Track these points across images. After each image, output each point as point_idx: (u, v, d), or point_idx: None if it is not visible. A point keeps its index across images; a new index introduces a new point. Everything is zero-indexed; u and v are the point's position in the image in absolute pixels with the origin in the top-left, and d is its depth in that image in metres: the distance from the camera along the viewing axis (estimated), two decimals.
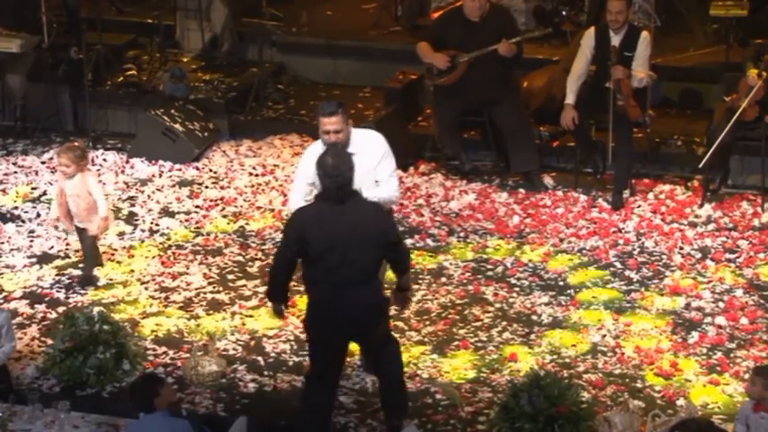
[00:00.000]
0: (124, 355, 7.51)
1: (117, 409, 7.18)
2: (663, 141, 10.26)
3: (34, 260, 8.92)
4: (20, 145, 10.84)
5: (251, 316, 8.22)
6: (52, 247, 9.10)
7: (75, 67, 10.94)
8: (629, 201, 9.64)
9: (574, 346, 7.84)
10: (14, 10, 11.06)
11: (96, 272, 8.53)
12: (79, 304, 8.31)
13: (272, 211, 9.66)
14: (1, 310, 7.39)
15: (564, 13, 11.37)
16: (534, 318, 8.17)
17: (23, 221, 9.50)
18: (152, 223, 9.45)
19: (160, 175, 10.27)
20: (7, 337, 7.26)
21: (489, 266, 8.74)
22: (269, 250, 9.07)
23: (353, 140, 7.16)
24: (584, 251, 8.98)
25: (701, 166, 9.28)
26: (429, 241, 9.13)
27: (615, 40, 9.48)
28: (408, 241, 8.87)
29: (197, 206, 9.74)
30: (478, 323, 8.06)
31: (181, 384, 7.47)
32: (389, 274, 7.24)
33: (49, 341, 7.78)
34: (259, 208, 9.70)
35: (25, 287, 8.56)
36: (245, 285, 8.60)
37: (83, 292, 8.49)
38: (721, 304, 8.29)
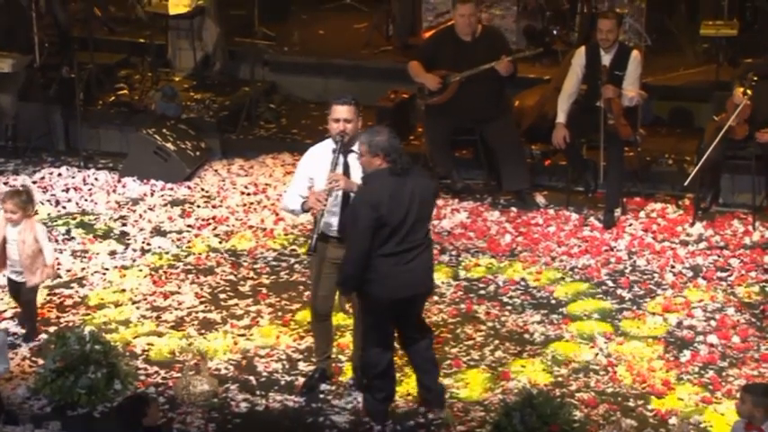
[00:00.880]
0: (115, 375, 7.49)
1: (108, 429, 7.15)
2: (654, 160, 10.29)
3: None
4: (11, 164, 10.82)
5: (243, 335, 8.20)
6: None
7: (67, 86, 10.94)
8: (620, 219, 9.65)
9: (566, 364, 7.84)
10: (6, 30, 11.07)
11: (36, 325, 8.18)
12: (70, 324, 8.29)
13: (264, 230, 9.65)
14: None
15: (555, 32, 11.42)
16: (526, 336, 8.17)
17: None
18: (144, 242, 9.44)
19: (152, 195, 10.26)
20: (0, 359, 7.22)
21: (481, 285, 8.74)
22: (261, 269, 9.06)
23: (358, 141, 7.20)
24: (575, 270, 8.99)
25: (686, 183, 9.31)
26: None
27: (606, 59, 9.52)
28: None
29: (189, 225, 9.73)
30: (471, 342, 8.05)
31: (172, 404, 7.45)
32: None
33: (41, 361, 7.75)
34: (251, 227, 9.70)
35: (16, 307, 8.52)
36: (236, 304, 8.59)
37: (74, 311, 8.47)
38: (713, 323, 8.30)
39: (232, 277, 8.96)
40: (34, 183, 10.45)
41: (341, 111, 7.17)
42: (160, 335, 8.20)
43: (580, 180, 10.03)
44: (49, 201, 10.12)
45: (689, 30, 11.32)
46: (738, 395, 6.38)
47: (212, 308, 8.54)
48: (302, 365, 7.84)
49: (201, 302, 8.61)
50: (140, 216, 9.88)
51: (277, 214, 9.87)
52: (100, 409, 7.38)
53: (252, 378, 7.75)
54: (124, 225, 9.74)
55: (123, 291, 8.75)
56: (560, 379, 7.69)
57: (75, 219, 9.86)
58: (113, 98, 11.38)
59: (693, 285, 8.76)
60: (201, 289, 8.78)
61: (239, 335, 8.21)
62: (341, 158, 7.19)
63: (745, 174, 9.65)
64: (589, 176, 9.93)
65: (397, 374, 7.75)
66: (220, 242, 9.46)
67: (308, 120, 11.34)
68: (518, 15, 11.46)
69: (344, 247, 7.19)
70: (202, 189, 10.37)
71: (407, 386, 7.60)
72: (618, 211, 9.68)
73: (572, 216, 9.76)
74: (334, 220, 7.23)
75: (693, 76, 11.05)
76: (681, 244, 9.33)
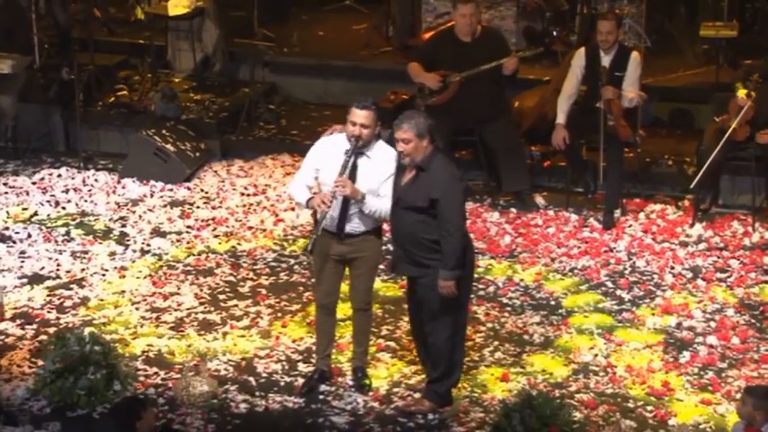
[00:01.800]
0: (115, 376, 7.48)
1: (107, 429, 7.13)
2: (653, 161, 10.29)
3: (25, 281, 8.90)
4: (11, 165, 10.82)
5: (242, 336, 8.20)
6: (43, 268, 9.07)
7: (67, 87, 10.94)
8: (620, 220, 9.65)
9: (566, 365, 7.84)
10: (6, 31, 11.06)
11: None
12: (70, 325, 8.29)
13: (264, 231, 9.65)
14: None
15: (554, 33, 11.42)
16: (526, 337, 8.16)
17: (14, 242, 9.47)
18: (143, 243, 9.44)
19: (151, 196, 10.26)
20: None
21: (481, 286, 8.74)
22: (261, 270, 9.06)
23: (374, 146, 7.19)
24: (575, 271, 8.99)
25: (692, 186, 9.31)
26: None
27: (605, 60, 9.52)
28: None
29: (188, 226, 9.73)
30: (470, 343, 8.05)
31: (172, 405, 7.44)
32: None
33: (40, 362, 7.75)
34: (250, 228, 9.70)
35: (16, 308, 8.53)
36: (236, 305, 8.59)
37: (74, 312, 8.47)
38: (713, 324, 8.30)
39: (231, 278, 8.96)
40: (34, 183, 10.46)
41: (359, 115, 7.13)
42: (160, 336, 8.20)
43: (580, 181, 10.03)
44: (48, 202, 10.12)
45: (689, 31, 11.32)
46: (739, 397, 6.37)
47: (212, 309, 8.54)
48: (302, 366, 7.84)
49: (201, 303, 8.61)
50: (140, 217, 9.88)
51: (277, 215, 9.87)
52: (99, 410, 7.37)
53: (251, 379, 7.74)
54: (124, 226, 9.74)
55: (123, 292, 8.74)
56: (560, 380, 7.68)
57: (74, 220, 9.85)
58: (113, 99, 11.38)
59: (693, 286, 8.76)
60: (201, 290, 8.78)
61: (239, 336, 8.21)
62: (351, 161, 7.16)
63: (745, 175, 9.65)
64: (589, 177, 9.93)
65: (396, 376, 7.77)
66: (220, 243, 9.46)
67: (307, 121, 11.34)
68: (518, 16, 11.47)
69: (349, 243, 7.20)
70: (202, 190, 10.37)
71: (406, 386, 7.60)
72: (617, 212, 9.68)
73: (572, 217, 9.76)
74: (336, 218, 7.22)
75: (693, 77, 11.06)
76: (680, 245, 9.33)
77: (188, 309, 8.54)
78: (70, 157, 10.91)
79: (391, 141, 7.19)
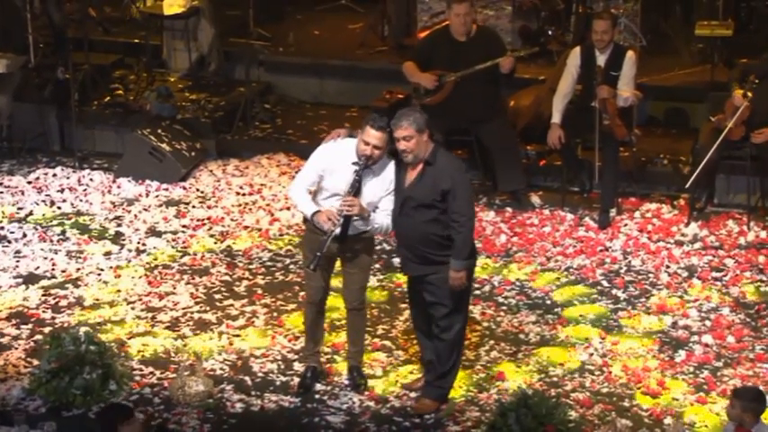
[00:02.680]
0: (111, 376, 7.48)
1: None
2: (649, 160, 10.29)
3: (20, 280, 8.89)
4: (5, 165, 10.80)
5: (238, 335, 8.20)
6: (38, 268, 9.07)
7: (62, 87, 10.93)
8: (615, 219, 9.66)
9: (561, 364, 7.84)
10: (1, 30, 11.05)
11: None
12: (65, 325, 8.28)
13: (260, 230, 9.65)
14: None
15: (550, 32, 11.42)
16: (522, 336, 8.17)
17: (9, 242, 9.46)
18: (139, 243, 9.43)
19: (147, 195, 10.25)
20: None
21: (476, 285, 8.74)
22: (256, 270, 9.06)
23: (379, 161, 7.17)
24: (571, 270, 9.00)
25: (687, 186, 9.32)
26: None
27: (601, 59, 9.52)
28: (396, 260, 8.86)
29: (184, 226, 9.72)
30: (466, 342, 8.04)
31: (167, 405, 7.44)
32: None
33: (35, 362, 7.74)
34: (246, 227, 9.70)
35: (11, 308, 8.52)
36: (232, 305, 8.59)
37: (69, 312, 8.46)
38: (708, 323, 8.31)
39: (227, 278, 8.96)
40: (29, 183, 10.45)
41: (374, 136, 7.07)
42: (155, 335, 8.19)
43: (575, 180, 10.03)
44: (44, 201, 10.11)
45: (684, 30, 11.33)
46: (728, 399, 6.37)
47: (207, 308, 8.54)
48: (297, 366, 7.84)
49: (197, 303, 8.61)
50: (135, 216, 9.87)
51: (272, 214, 9.86)
52: (95, 410, 7.37)
53: (247, 378, 7.74)
54: (119, 225, 9.73)
55: (118, 291, 8.74)
56: (555, 379, 7.69)
57: (70, 219, 9.85)
58: (108, 99, 11.36)
59: (688, 285, 8.77)
60: (197, 289, 8.78)
61: (234, 335, 8.20)
62: (359, 179, 7.12)
63: (741, 174, 9.66)
64: (584, 177, 9.93)
65: (392, 375, 7.77)
66: (215, 242, 9.45)
67: (303, 120, 11.34)
68: (513, 16, 11.47)
69: (343, 243, 7.20)
70: (197, 189, 10.36)
71: (402, 385, 7.61)
72: (613, 212, 9.69)
73: (567, 216, 9.76)
74: (336, 230, 7.21)
75: (688, 76, 11.06)
76: (676, 244, 9.33)
77: (184, 308, 8.53)
78: (65, 157, 10.90)
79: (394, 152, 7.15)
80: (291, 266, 9.10)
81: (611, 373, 7.75)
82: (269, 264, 9.16)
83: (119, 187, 10.37)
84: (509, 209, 9.90)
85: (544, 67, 11.04)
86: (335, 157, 7.22)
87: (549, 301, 8.59)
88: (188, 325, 8.33)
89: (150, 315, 8.44)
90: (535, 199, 10.03)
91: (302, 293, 8.56)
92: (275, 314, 8.46)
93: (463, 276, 7.08)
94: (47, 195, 10.22)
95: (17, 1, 11.24)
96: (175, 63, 11.85)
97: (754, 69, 9.33)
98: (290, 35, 12.10)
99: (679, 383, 7.63)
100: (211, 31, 11.67)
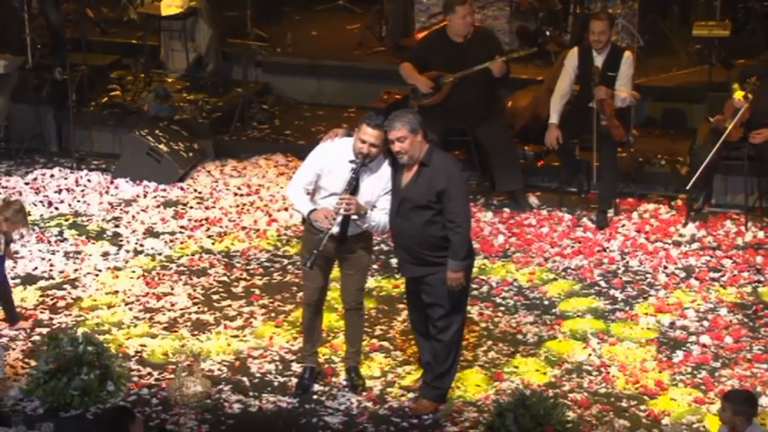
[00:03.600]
0: (108, 377, 7.48)
1: None
2: (646, 161, 10.30)
3: (18, 281, 8.88)
4: (3, 166, 10.80)
5: (236, 336, 8.20)
6: (36, 269, 9.06)
7: (60, 87, 10.93)
8: (613, 220, 9.66)
9: (559, 365, 7.84)
10: None
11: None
12: (63, 325, 8.28)
13: (257, 231, 9.65)
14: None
15: (547, 33, 11.43)
16: (519, 337, 8.17)
17: (7, 242, 9.44)
18: (137, 244, 9.43)
19: (145, 196, 10.25)
20: None
21: (474, 286, 8.73)
22: (254, 270, 9.06)
23: (376, 159, 7.17)
24: (568, 270, 9.00)
25: (688, 187, 9.32)
26: None
27: (598, 60, 9.53)
28: (393, 261, 8.86)
29: (182, 226, 9.72)
30: (464, 342, 8.04)
31: (165, 405, 7.44)
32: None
33: (33, 362, 7.74)
34: (244, 228, 9.69)
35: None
36: (230, 305, 8.59)
37: (67, 313, 8.46)
38: (706, 323, 8.31)
39: (225, 278, 8.96)
40: (27, 184, 10.44)
41: (370, 134, 7.07)
42: (153, 336, 8.19)
43: (573, 181, 10.04)
44: (41, 202, 10.10)
45: (681, 31, 11.34)
46: (720, 403, 6.37)
47: (205, 309, 8.54)
48: (295, 366, 7.84)
49: (194, 303, 8.61)
50: (133, 217, 9.87)
51: (270, 215, 9.86)
52: (93, 411, 7.37)
53: (245, 379, 7.74)
54: (117, 226, 9.73)
55: (116, 292, 8.74)
56: (553, 379, 7.69)
57: (67, 220, 9.84)
58: (106, 99, 11.36)
59: (686, 286, 8.77)
60: (194, 290, 8.77)
61: (232, 336, 8.20)
62: (357, 177, 7.12)
63: (738, 175, 9.67)
64: (582, 177, 9.94)
65: (390, 375, 7.77)
66: (213, 243, 9.45)
67: (300, 121, 11.34)
68: (511, 16, 11.47)
69: (341, 243, 7.21)
70: (195, 190, 10.36)
71: (399, 386, 7.61)
72: (611, 212, 9.69)
73: (565, 217, 9.76)
74: (334, 229, 7.20)
75: (686, 76, 11.07)
76: (673, 244, 9.34)
77: (181, 309, 8.53)
78: (63, 158, 10.90)
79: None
80: (289, 267, 9.10)
81: (608, 373, 7.75)
82: (267, 264, 9.16)
83: (116, 188, 10.37)
84: (507, 209, 9.90)
85: (542, 68, 11.05)
86: (333, 156, 7.22)
87: (546, 302, 8.60)
88: (186, 326, 8.32)
89: (148, 316, 8.44)
90: (533, 199, 10.03)
91: (300, 294, 8.56)
92: (273, 315, 8.46)
93: (461, 277, 7.08)
94: (44, 196, 10.22)
95: (15, 1, 11.22)
96: (173, 64, 11.85)
97: (752, 70, 9.33)
98: (287, 36, 12.10)
99: (677, 384, 7.63)
100: (209, 32, 11.66)
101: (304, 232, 7.49)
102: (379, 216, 7.20)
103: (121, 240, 9.50)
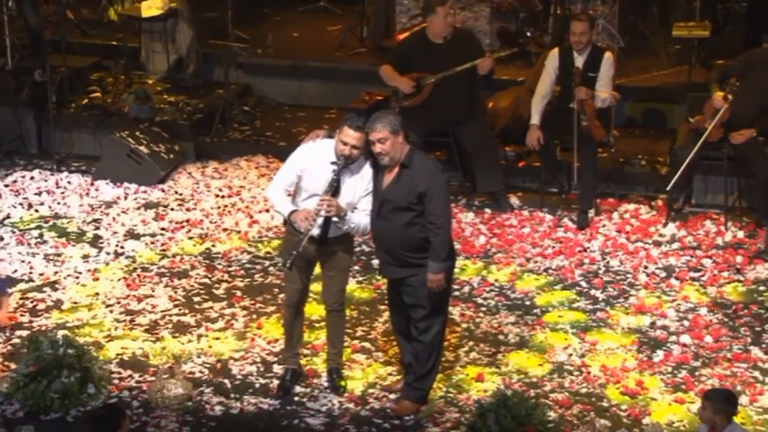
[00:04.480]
0: (89, 379, 7.46)
1: None
2: (627, 161, 10.33)
3: None
4: None
5: (217, 338, 8.18)
6: (16, 271, 9.02)
7: (40, 89, 10.89)
8: (594, 220, 9.69)
9: (540, 365, 7.86)
10: None
11: None
12: (43, 328, 8.25)
13: (239, 232, 9.63)
14: None
15: (528, 34, 11.45)
16: (501, 337, 8.18)
17: None
18: (117, 246, 9.40)
19: (125, 198, 10.23)
20: None
21: (456, 286, 8.74)
22: (235, 272, 9.05)
23: (357, 161, 7.17)
24: (549, 271, 9.02)
25: (669, 188, 9.35)
26: None
27: (579, 60, 9.55)
28: (375, 262, 8.86)
29: (162, 228, 9.70)
30: (445, 343, 8.05)
31: (146, 408, 7.42)
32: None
33: (13, 365, 7.71)
34: (225, 230, 9.68)
35: None
36: (211, 307, 8.57)
37: (47, 315, 8.43)
38: (686, 323, 8.34)
39: (206, 280, 8.94)
40: (6, 186, 10.40)
41: (352, 136, 7.06)
42: (134, 338, 8.17)
43: (554, 181, 10.06)
44: (21, 204, 10.07)
45: (661, 31, 11.38)
46: (700, 402, 6.39)
47: (186, 311, 8.52)
48: (277, 368, 7.83)
49: (175, 306, 8.59)
50: (114, 219, 9.84)
51: (251, 216, 9.85)
52: (73, 414, 7.35)
53: (226, 381, 7.73)
54: (97, 228, 9.70)
55: (96, 294, 8.71)
56: (534, 380, 7.70)
57: (47, 222, 9.81)
58: (86, 101, 11.33)
59: (666, 286, 8.80)
60: (175, 292, 8.76)
61: (214, 338, 8.19)
62: (338, 179, 7.11)
63: (718, 175, 9.71)
64: (563, 178, 9.96)
65: (371, 376, 7.77)
66: (194, 245, 9.43)
67: (282, 122, 11.33)
68: (491, 17, 11.49)
69: (323, 244, 7.20)
70: (176, 192, 10.34)
71: (381, 387, 7.61)
72: (591, 212, 9.71)
73: (546, 217, 9.78)
74: (315, 228, 7.20)
75: (666, 77, 11.11)
76: (654, 244, 9.37)
77: (162, 311, 8.51)
78: (43, 160, 10.87)
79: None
80: (271, 269, 9.09)
81: (589, 373, 7.77)
82: (248, 266, 9.15)
83: (97, 190, 10.34)
84: (488, 210, 9.91)
85: (523, 69, 11.07)
86: (314, 157, 7.21)
87: (528, 302, 8.61)
88: (167, 328, 8.30)
89: (129, 318, 8.41)
90: (514, 200, 10.05)
91: (282, 296, 8.55)
92: (254, 316, 8.45)
93: (441, 278, 7.08)
94: (24, 198, 10.18)
95: None
96: (153, 65, 11.82)
97: (731, 70, 9.37)
98: (268, 37, 12.09)
99: (657, 383, 7.66)
100: (190, 33, 11.64)
101: (285, 233, 7.49)
102: (360, 217, 7.20)
103: (102, 242, 9.47)
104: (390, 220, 7.10)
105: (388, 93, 10.25)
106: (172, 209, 10.04)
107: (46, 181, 10.49)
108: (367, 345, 8.08)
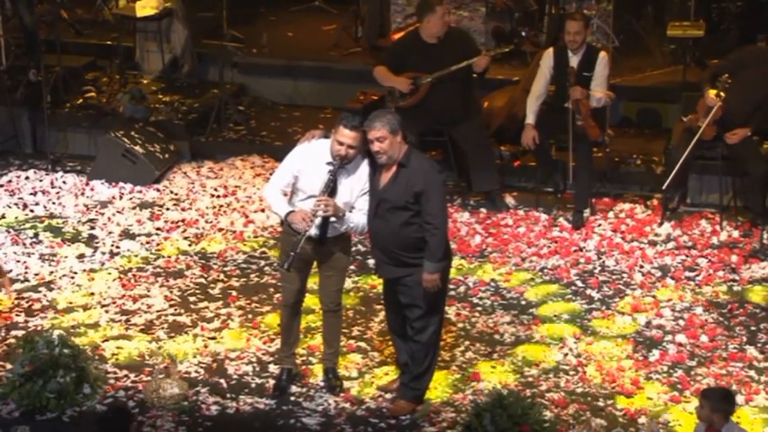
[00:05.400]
0: (85, 379, 7.45)
1: None
2: (622, 160, 10.34)
3: None
4: None
5: (213, 338, 8.18)
6: (11, 271, 9.01)
7: (34, 89, 10.87)
8: (589, 220, 9.70)
9: (536, 365, 7.86)
10: None
11: None
12: (39, 328, 8.24)
13: (234, 232, 9.63)
14: None
15: (523, 33, 11.46)
16: (497, 337, 8.19)
17: None
18: (112, 246, 9.39)
19: (120, 198, 10.22)
20: None
21: (451, 286, 8.73)
22: (231, 272, 9.04)
23: (353, 160, 7.17)
24: (545, 270, 9.02)
25: (664, 187, 9.36)
26: None
27: (574, 60, 9.56)
28: (371, 262, 8.86)
29: (158, 228, 9.69)
30: (441, 343, 8.05)
31: (142, 408, 7.41)
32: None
33: (9, 365, 7.70)
34: (221, 229, 9.67)
35: None
36: (206, 307, 8.57)
37: (42, 315, 8.42)
38: (681, 322, 8.35)
39: (202, 280, 8.93)
40: (1, 186, 10.38)
41: (347, 136, 7.06)
42: (129, 338, 8.16)
43: (549, 181, 10.07)
44: (16, 204, 10.05)
45: (656, 31, 11.39)
46: (697, 400, 6.39)
47: (182, 311, 8.51)
48: (273, 368, 7.83)
49: (171, 305, 8.58)
50: (109, 219, 9.83)
51: (247, 216, 9.85)
52: (69, 414, 7.34)
53: (222, 381, 7.73)
54: (92, 228, 9.69)
55: (92, 294, 8.70)
56: (530, 379, 7.71)
57: (42, 222, 9.79)
58: (81, 101, 11.32)
59: (662, 285, 8.81)
60: (171, 292, 8.75)
61: (209, 338, 8.18)
62: (334, 179, 7.11)
63: (713, 174, 9.72)
64: (558, 177, 9.97)
65: (367, 376, 7.77)
66: (190, 245, 9.42)
67: (277, 122, 11.32)
68: (486, 17, 11.50)
69: (320, 245, 7.21)
70: (171, 192, 10.33)
71: (377, 387, 7.61)
72: (587, 212, 9.72)
73: (541, 217, 9.79)
74: (314, 228, 7.19)
75: (661, 76, 11.12)
76: (649, 244, 9.38)
77: (158, 311, 8.50)
78: (38, 160, 10.85)
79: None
80: (266, 268, 9.08)
81: (585, 372, 7.78)
82: (243, 266, 9.14)
83: (92, 190, 10.33)
84: (483, 209, 9.92)
85: (518, 68, 11.08)
86: (310, 157, 7.21)
87: (523, 302, 8.62)
88: (162, 328, 8.30)
89: (124, 318, 8.41)
90: (509, 199, 10.06)
91: (277, 295, 8.55)
92: (250, 316, 8.45)
93: (436, 279, 7.08)
94: (19, 198, 10.16)
95: None
96: (148, 65, 11.81)
97: (722, 69, 9.38)
98: (263, 36, 12.08)
99: (653, 383, 7.67)
100: (184, 33, 11.63)
101: (282, 234, 7.48)
102: (358, 217, 7.20)
103: (97, 242, 9.46)
104: (387, 219, 7.09)
105: (383, 93, 10.25)
106: (167, 209, 10.03)
107: (41, 181, 10.47)
108: (363, 344, 8.08)
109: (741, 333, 8.22)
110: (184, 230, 9.66)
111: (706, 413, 6.23)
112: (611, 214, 9.81)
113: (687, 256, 9.19)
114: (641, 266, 9.05)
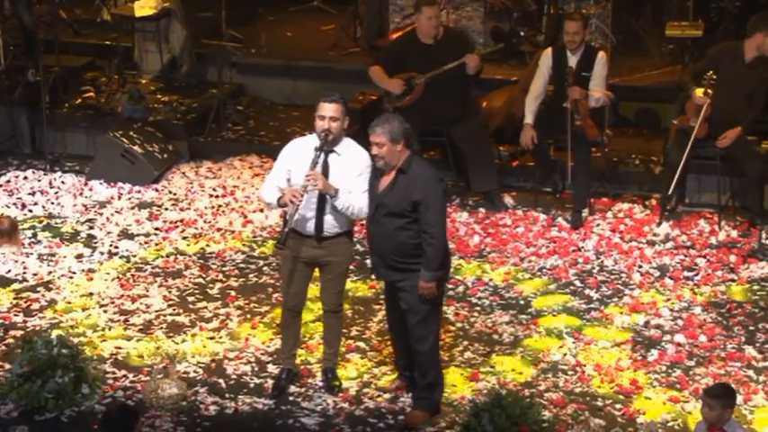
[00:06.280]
0: (83, 379, 7.45)
1: None
2: (620, 160, 10.35)
3: None
4: None
5: (212, 338, 8.18)
6: (9, 271, 9.01)
7: (33, 89, 10.87)
8: (588, 220, 9.70)
9: (535, 364, 7.87)
10: None
11: None
12: (37, 328, 8.24)
13: (233, 232, 9.63)
14: None
15: (522, 33, 11.46)
16: (495, 337, 8.19)
17: None
18: (111, 246, 9.39)
19: (119, 198, 10.22)
20: None
21: (450, 286, 8.75)
22: (230, 272, 9.04)
23: (342, 143, 7.18)
24: (544, 270, 9.03)
25: (669, 193, 9.35)
26: None
27: (572, 60, 9.57)
28: (369, 262, 8.85)
29: (156, 228, 9.69)
30: (440, 343, 8.05)
31: (141, 408, 7.41)
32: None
33: (7, 365, 7.70)
34: (219, 229, 9.67)
35: None
36: (205, 307, 8.57)
37: (41, 315, 8.42)
38: (680, 322, 8.36)
39: (200, 280, 8.93)
40: (0, 186, 10.38)
41: (327, 108, 7.13)
42: (128, 338, 8.16)
43: (548, 181, 10.07)
44: (15, 204, 10.05)
45: (654, 31, 11.39)
46: (703, 401, 6.32)
47: (181, 311, 8.51)
48: (271, 368, 7.83)
49: (170, 305, 8.58)
50: (107, 219, 9.83)
51: (245, 216, 9.85)
52: (68, 414, 7.34)
53: (221, 381, 7.73)
54: (91, 228, 9.69)
55: (91, 294, 8.70)
56: (529, 379, 7.71)
57: (41, 222, 9.80)
58: (80, 101, 11.32)
59: (660, 285, 8.81)
60: (170, 292, 8.75)
61: (208, 338, 8.18)
62: (321, 157, 7.16)
63: (711, 174, 9.72)
64: (557, 177, 9.97)
65: (366, 376, 7.77)
66: (188, 245, 9.42)
67: (275, 122, 11.32)
68: (485, 17, 11.50)
69: (321, 246, 7.20)
70: (170, 192, 10.33)
71: (376, 387, 7.61)
72: (585, 212, 9.73)
73: (540, 217, 9.80)
74: (311, 220, 7.20)
75: (659, 76, 11.13)
76: (648, 244, 9.38)
77: (156, 311, 8.50)
78: (36, 160, 10.85)
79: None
80: (265, 268, 9.08)
81: (584, 372, 7.78)
82: (242, 266, 9.15)
83: (90, 190, 10.33)
84: (482, 209, 9.92)
85: (516, 68, 11.08)
86: (300, 150, 7.26)
87: (522, 302, 8.62)
88: (161, 328, 8.30)
89: (123, 318, 8.41)
90: (508, 199, 10.06)
91: (276, 295, 8.56)
92: (249, 316, 8.45)
93: (432, 287, 7.05)
94: (18, 198, 10.16)
95: None
96: (147, 65, 11.81)
97: (700, 69, 9.37)
98: (262, 37, 12.09)
99: (652, 383, 7.67)
100: (183, 33, 11.64)
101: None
102: (353, 198, 7.17)
103: (96, 242, 9.46)
104: (383, 223, 7.09)
105: (381, 93, 10.25)
106: (166, 209, 10.03)
107: (39, 181, 10.47)
108: (362, 344, 8.08)
109: (740, 333, 8.23)
110: (183, 230, 9.66)
111: (717, 413, 6.16)
112: (609, 214, 9.81)
113: (685, 256, 9.20)
114: (640, 266, 9.06)
